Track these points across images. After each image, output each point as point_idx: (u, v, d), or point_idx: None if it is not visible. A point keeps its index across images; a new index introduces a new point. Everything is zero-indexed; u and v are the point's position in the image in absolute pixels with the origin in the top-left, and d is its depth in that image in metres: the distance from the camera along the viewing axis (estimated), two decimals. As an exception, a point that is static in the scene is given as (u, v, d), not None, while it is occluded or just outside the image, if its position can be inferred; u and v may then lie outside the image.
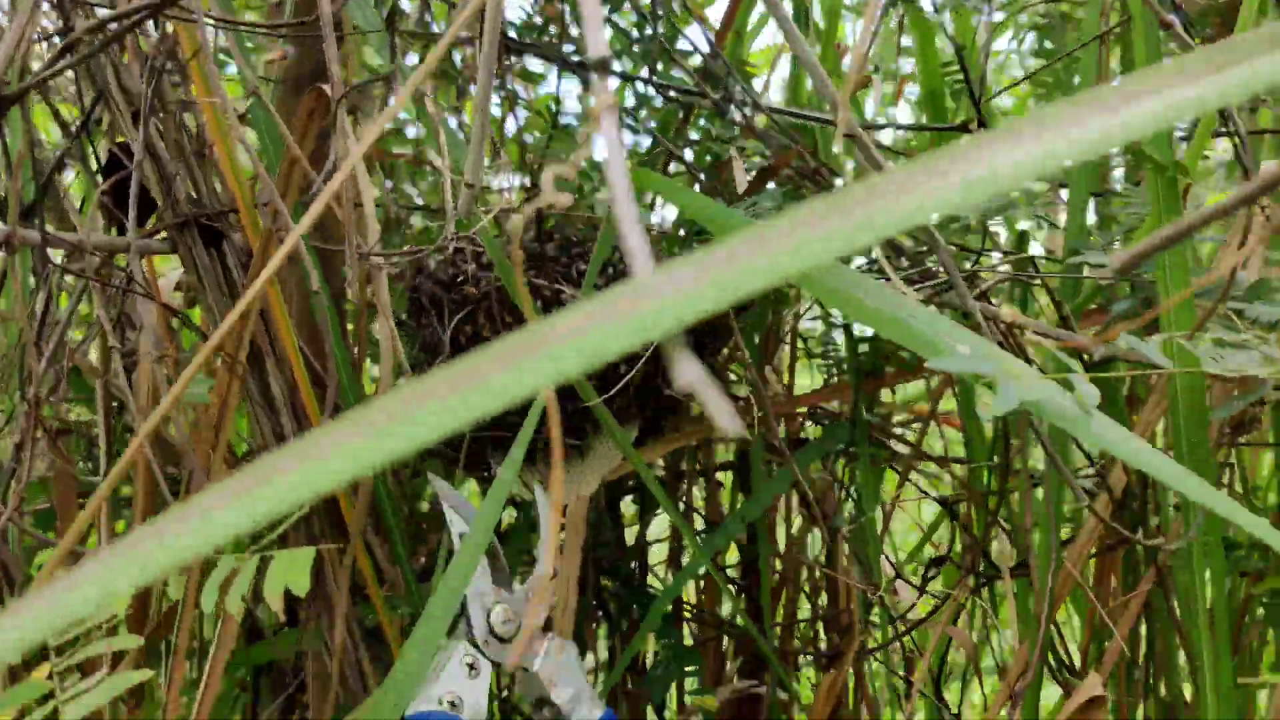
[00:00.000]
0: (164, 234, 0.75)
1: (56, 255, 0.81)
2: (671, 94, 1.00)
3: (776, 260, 0.19)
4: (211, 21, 0.70)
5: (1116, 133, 0.21)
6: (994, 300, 0.98)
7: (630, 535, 1.36)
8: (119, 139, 0.77)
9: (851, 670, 1.20)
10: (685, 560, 1.35)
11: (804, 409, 1.31)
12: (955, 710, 1.29)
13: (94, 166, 0.76)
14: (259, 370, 0.73)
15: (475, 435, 0.97)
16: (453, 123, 1.27)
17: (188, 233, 0.70)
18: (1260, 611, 1.03)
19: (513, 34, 1.05)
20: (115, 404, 0.82)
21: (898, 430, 1.30)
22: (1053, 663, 1.08)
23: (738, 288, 0.18)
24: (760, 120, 1.00)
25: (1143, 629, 1.05)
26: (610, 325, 0.18)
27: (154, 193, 0.71)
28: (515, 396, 0.18)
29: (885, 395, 1.34)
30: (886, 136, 1.31)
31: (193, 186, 0.74)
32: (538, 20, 1.07)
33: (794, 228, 0.19)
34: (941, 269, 0.85)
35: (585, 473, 0.95)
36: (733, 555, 1.37)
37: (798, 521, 1.38)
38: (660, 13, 0.96)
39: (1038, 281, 0.87)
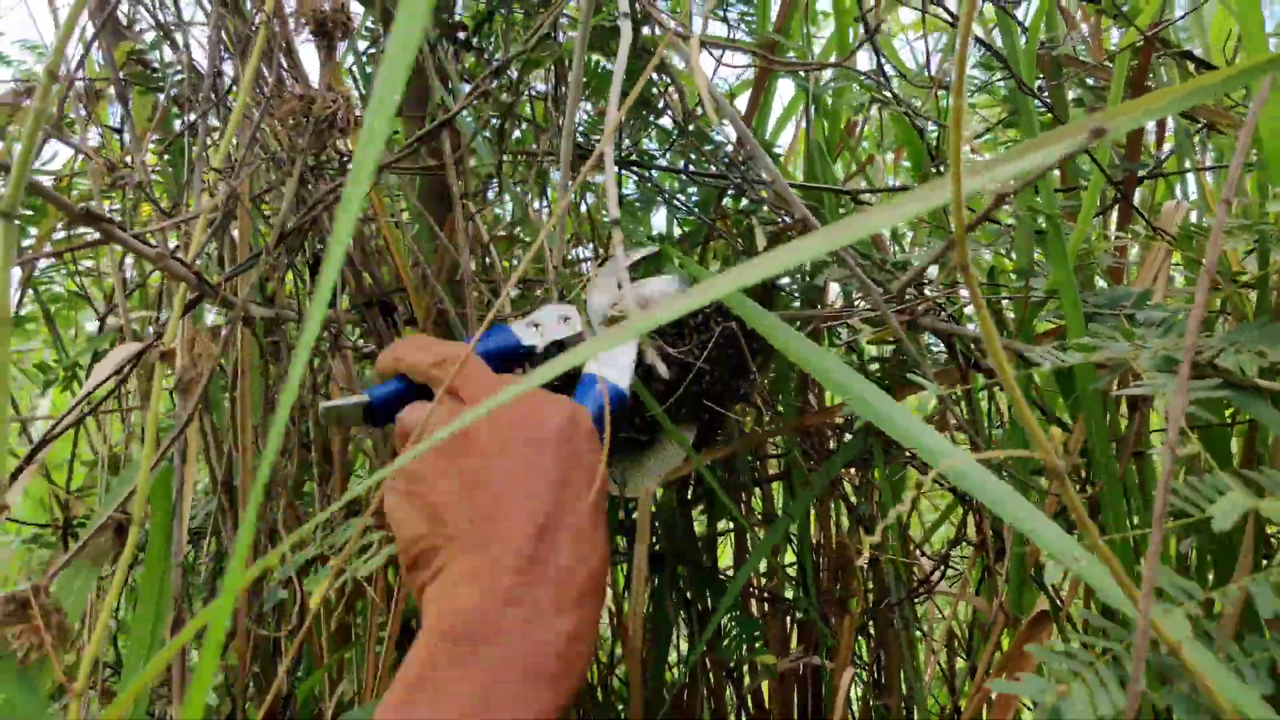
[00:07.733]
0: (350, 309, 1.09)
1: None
2: (705, 180, 1.31)
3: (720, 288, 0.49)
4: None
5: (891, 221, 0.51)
6: (964, 322, 1.25)
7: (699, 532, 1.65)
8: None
9: (879, 627, 1.46)
10: (750, 551, 1.63)
11: (840, 421, 1.60)
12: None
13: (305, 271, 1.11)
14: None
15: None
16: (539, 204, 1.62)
17: (371, 309, 1.03)
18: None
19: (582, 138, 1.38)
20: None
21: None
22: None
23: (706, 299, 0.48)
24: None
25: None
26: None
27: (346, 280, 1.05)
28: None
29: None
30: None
31: (370, 276, 1.08)
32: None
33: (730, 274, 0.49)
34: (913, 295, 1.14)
35: (650, 470, 1.24)
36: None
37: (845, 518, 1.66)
38: (693, 121, 1.28)
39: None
